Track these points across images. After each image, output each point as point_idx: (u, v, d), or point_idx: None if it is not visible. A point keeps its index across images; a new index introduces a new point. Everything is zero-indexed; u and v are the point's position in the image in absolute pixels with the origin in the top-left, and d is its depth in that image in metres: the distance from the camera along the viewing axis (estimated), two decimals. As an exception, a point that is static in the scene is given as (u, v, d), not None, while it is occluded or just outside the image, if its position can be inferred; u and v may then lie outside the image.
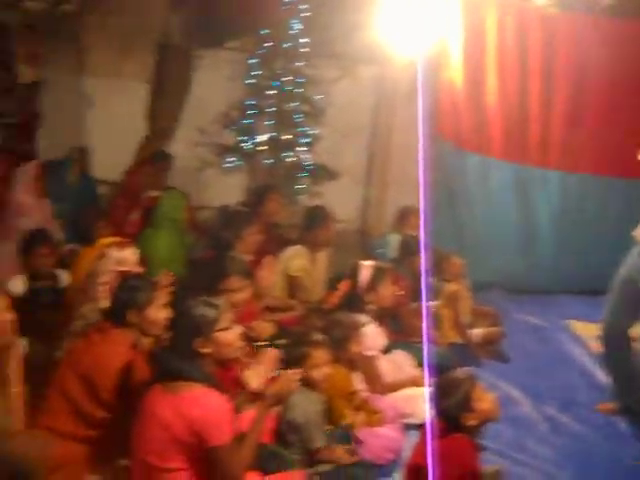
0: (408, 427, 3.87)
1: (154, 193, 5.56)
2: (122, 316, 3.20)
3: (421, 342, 4.68)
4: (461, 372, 3.11)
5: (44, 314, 4.14)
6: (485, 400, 3.00)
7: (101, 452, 3.12)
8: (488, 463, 3.52)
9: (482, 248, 6.05)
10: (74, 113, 7.60)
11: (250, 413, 3.06)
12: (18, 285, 4.23)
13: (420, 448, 2.91)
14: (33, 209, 5.25)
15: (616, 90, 6.14)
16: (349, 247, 6.05)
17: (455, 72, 6.19)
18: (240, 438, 2.79)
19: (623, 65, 6.04)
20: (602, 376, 4.72)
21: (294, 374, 3.09)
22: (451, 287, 5.19)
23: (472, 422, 2.92)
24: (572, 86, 6.17)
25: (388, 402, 3.91)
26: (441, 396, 3.01)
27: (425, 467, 2.87)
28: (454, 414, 2.94)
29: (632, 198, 6.14)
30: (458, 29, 6.01)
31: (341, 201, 6.56)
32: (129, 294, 3.22)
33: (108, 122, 7.37)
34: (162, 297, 3.32)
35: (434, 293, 5.22)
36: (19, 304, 3.33)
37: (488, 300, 5.86)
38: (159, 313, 3.24)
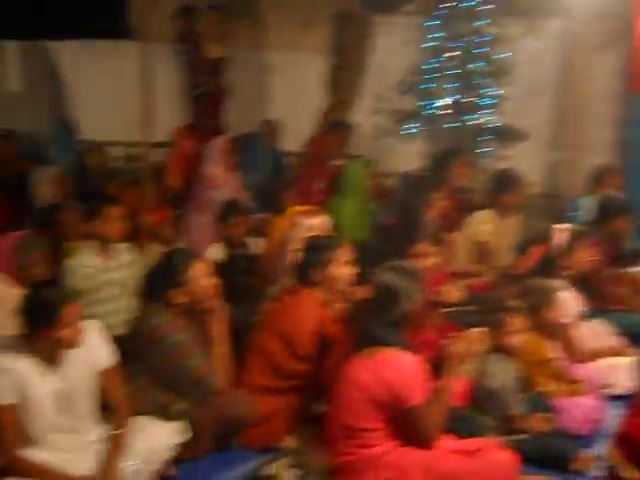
0: (609, 397, 3.69)
1: (338, 162, 5.62)
2: (308, 276, 3.34)
3: (622, 310, 4.43)
4: None
5: (240, 280, 4.36)
6: None
7: (298, 403, 3.29)
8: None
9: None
10: (258, 88, 7.89)
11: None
12: (216, 253, 4.47)
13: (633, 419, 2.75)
14: (225, 182, 5.51)
15: None
16: (538, 211, 5.78)
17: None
18: (436, 397, 2.79)
19: None
20: None
21: (480, 333, 3.03)
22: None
23: None
24: None
25: (587, 371, 3.70)
26: None
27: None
28: None
29: None
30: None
31: (528, 163, 6.28)
32: (312, 254, 3.37)
33: (290, 95, 7.58)
34: (344, 255, 3.39)
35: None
36: (217, 271, 3.50)
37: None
38: (341, 270, 3.35)
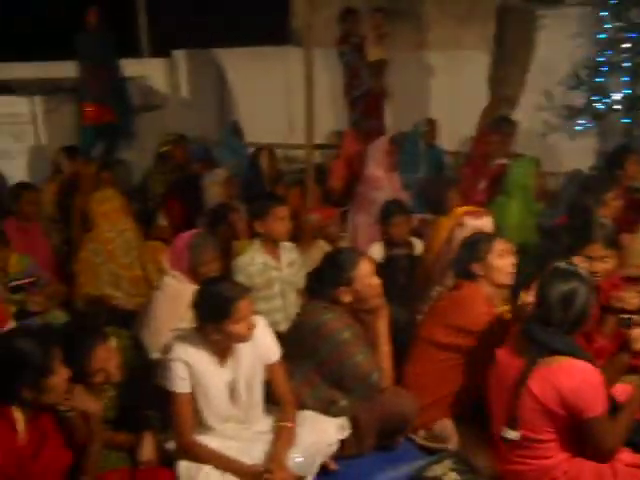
0: None
1: (502, 161, 5.47)
2: (468, 270, 3.36)
3: None
4: None
5: (401, 279, 4.36)
6: None
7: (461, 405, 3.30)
8: None
9: None
10: (418, 87, 7.86)
11: (625, 386, 2.86)
12: (378, 252, 4.49)
13: None
14: (385, 182, 5.53)
15: None
16: None
17: None
18: (615, 411, 2.65)
19: None
20: None
21: None
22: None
23: None
24: None
25: None
26: None
27: None
28: None
29: None
30: None
31: None
32: (469, 248, 3.41)
33: (451, 93, 7.48)
34: (501, 246, 3.37)
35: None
36: (379, 270, 3.52)
37: None
38: (501, 261, 3.35)
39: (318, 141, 7.17)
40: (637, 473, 2.66)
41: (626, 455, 2.73)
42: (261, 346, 3.00)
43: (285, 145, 7.61)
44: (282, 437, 2.92)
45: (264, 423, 3.03)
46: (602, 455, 2.62)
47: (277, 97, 7.96)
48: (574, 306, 2.67)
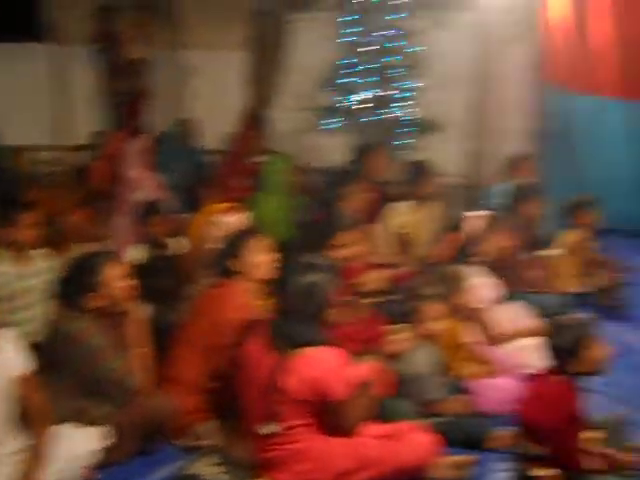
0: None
1: (259, 158, 5.64)
2: (227, 268, 3.41)
3: (537, 292, 4.60)
4: (574, 317, 3.03)
5: (162, 280, 4.34)
6: (595, 349, 2.91)
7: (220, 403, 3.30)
8: (612, 410, 3.43)
9: (600, 193, 5.78)
10: (179, 88, 7.84)
11: (367, 365, 3.09)
12: (137, 254, 4.44)
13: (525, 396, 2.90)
14: (144, 182, 5.47)
15: None
16: (457, 200, 5.94)
17: (561, 11, 5.88)
18: (359, 389, 2.83)
19: None
20: None
21: (406, 334, 3.12)
22: (572, 235, 5.00)
23: (577, 369, 2.88)
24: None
25: (502, 353, 3.83)
26: (550, 339, 2.97)
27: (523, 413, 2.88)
28: (560, 357, 2.91)
29: None
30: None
31: (447, 154, 6.45)
32: (227, 246, 3.46)
33: (211, 93, 7.55)
34: (259, 243, 3.46)
35: (553, 241, 5.08)
36: (139, 272, 3.47)
37: (610, 246, 5.61)
38: (259, 257, 3.42)
39: (80, 142, 6.87)
40: (382, 442, 2.88)
41: (373, 427, 2.97)
42: (8, 360, 2.83)
43: (43, 147, 7.22)
44: (32, 456, 2.78)
45: (14, 443, 2.86)
46: (347, 432, 2.80)
47: (31, 97, 7.50)
48: (314, 297, 2.80)
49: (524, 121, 6.37)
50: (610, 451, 3.06)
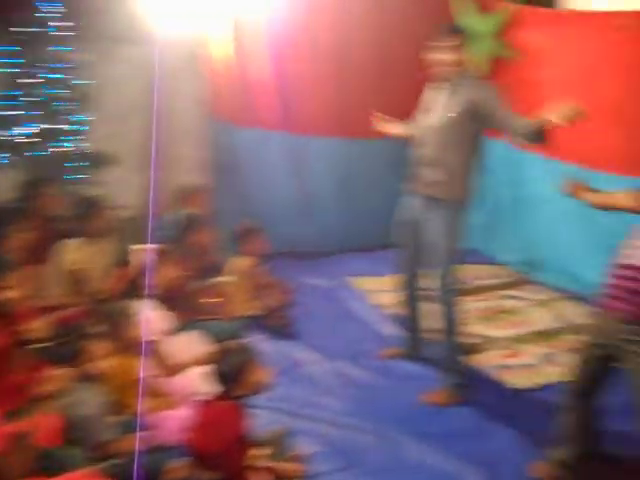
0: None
1: None
2: None
3: (212, 319, 4.78)
4: (237, 343, 3.24)
5: None
6: (257, 373, 3.16)
7: None
8: (279, 424, 3.70)
9: (268, 219, 6.20)
10: None
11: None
12: None
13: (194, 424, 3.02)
14: None
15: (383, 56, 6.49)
16: (133, 233, 5.93)
17: (225, 48, 6.22)
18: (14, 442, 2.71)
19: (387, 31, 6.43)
20: (384, 326, 5.09)
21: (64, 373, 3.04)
22: (243, 262, 5.26)
23: (240, 393, 3.11)
24: (339, 56, 6.43)
25: (178, 383, 3.92)
26: (215, 365, 3.16)
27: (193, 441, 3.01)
28: (225, 383, 3.12)
29: (394, 157, 6.56)
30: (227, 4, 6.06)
31: (122, 186, 6.41)
32: None
33: None
34: None
35: (224, 268, 5.31)
36: None
37: (276, 269, 6.04)
38: None
39: None
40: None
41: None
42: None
43: None
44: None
45: None
46: None
47: None
48: None
49: (196, 153, 6.58)
50: (276, 464, 3.31)
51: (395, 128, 4.48)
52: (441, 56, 3.97)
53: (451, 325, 4.15)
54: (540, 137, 3.61)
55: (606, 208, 3.19)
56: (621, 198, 3.05)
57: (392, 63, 6.48)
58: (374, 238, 6.17)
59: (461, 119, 3.92)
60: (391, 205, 4.46)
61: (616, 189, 3.16)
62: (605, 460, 3.49)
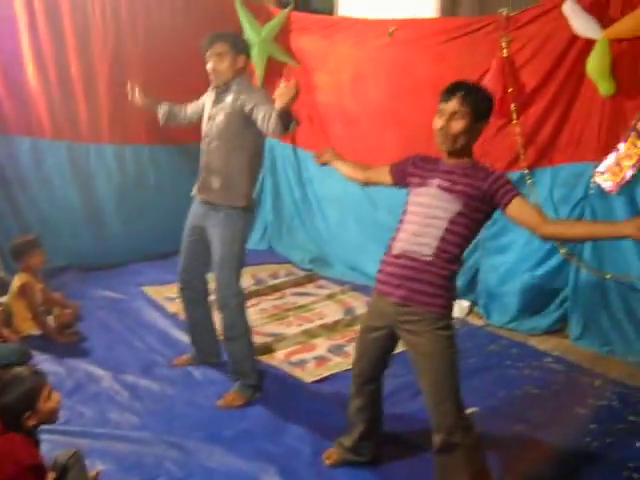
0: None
1: None
2: None
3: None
4: (26, 369, 3.06)
5: None
6: (51, 400, 3.01)
7: None
8: (71, 446, 3.54)
9: (50, 233, 5.92)
10: None
11: None
12: None
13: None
14: None
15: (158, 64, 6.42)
16: None
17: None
18: None
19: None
20: (179, 334, 5.06)
21: None
22: (21, 279, 4.98)
23: (33, 422, 2.95)
24: (111, 58, 6.27)
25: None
26: (1, 394, 2.94)
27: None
28: (13, 413, 2.91)
29: (185, 162, 6.56)
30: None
31: None
32: None
33: None
34: None
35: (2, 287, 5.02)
36: None
37: (64, 283, 5.80)
38: None
39: None
40: None
41: None
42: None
43: None
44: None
45: None
46: None
47: None
48: None
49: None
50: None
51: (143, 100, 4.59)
52: (209, 64, 4.04)
53: (238, 329, 4.21)
54: (286, 124, 3.59)
55: (368, 183, 3.63)
56: (379, 173, 3.49)
57: (169, 71, 6.44)
58: (167, 245, 6.07)
59: (230, 122, 3.99)
60: (183, 212, 4.43)
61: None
62: (391, 441, 3.75)
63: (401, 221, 3.22)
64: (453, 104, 3.01)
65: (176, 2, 6.56)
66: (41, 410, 2.99)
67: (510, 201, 3.01)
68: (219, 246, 4.12)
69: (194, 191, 4.30)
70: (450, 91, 3.06)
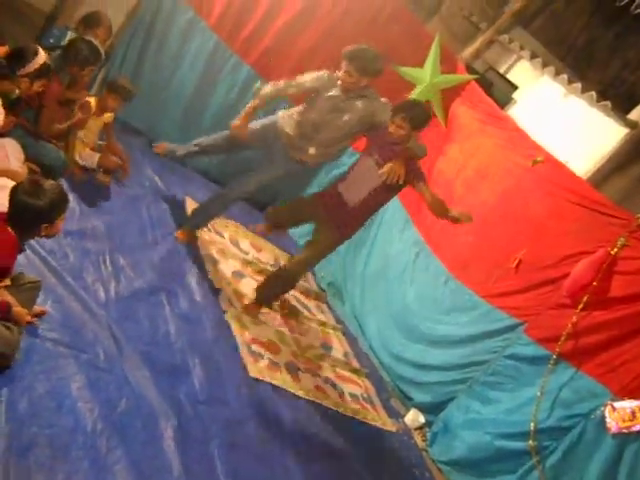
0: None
1: None
2: None
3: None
4: (60, 186, 3.19)
5: None
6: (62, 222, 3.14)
7: None
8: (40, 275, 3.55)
9: (150, 98, 6.09)
10: None
11: None
12: None
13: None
14: None
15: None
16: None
17: None
18: None
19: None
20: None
21: None
22: (102, 103, 5.17)
23: (44, 233, 3.12)
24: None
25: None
26: (38, 197, 3.03)
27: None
28: (37, 217, 3.05)
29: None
30: None
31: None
32: None
33: None
34: None
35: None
36: None
37: (128, 143, 5.84)
38: None
39: None
40: None
41: None
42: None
43: None
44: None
45: None
46: None
47: None
48: None
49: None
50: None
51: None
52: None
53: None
54: None
55: None
56: None
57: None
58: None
59: None
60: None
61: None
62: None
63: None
64: None
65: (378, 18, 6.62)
66: (55, 227, 3.09)
67: None
68: None
69: None
70: None
